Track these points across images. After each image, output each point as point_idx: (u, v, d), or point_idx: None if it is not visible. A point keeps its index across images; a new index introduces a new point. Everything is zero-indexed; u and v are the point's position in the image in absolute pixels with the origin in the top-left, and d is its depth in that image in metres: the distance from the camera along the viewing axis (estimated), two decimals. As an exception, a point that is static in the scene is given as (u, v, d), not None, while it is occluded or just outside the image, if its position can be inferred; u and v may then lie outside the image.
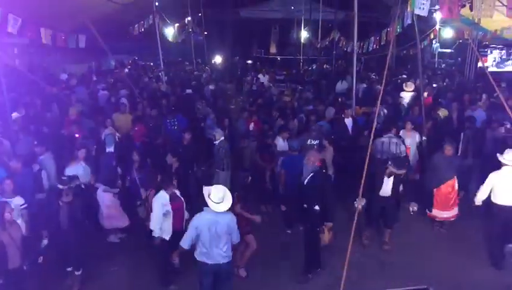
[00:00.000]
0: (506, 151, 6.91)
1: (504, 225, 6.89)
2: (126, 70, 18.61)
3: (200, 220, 5.38)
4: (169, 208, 6.17)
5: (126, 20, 16.66)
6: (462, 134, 9.22)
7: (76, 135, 9.01)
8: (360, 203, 6.49)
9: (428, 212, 8.15)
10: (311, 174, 6.60)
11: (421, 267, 6.86)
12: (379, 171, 7.22)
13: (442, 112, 10.65)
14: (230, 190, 5.61)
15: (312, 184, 6.55)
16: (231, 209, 5.57)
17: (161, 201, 6.15)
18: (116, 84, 14.78)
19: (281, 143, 9.03)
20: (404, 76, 14.78)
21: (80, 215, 6.28)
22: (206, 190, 5.48)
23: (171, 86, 15.14)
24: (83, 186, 7.22)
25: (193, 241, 5.42)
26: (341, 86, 16.43)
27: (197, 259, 5.50)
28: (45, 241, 6.13)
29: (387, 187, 7.24)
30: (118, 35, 16.79)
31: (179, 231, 6.06)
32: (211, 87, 13.22)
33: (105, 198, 7.56)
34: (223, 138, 9.00)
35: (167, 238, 6.19)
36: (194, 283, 5.83)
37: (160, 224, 6.14)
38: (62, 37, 10.66)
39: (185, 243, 5.43)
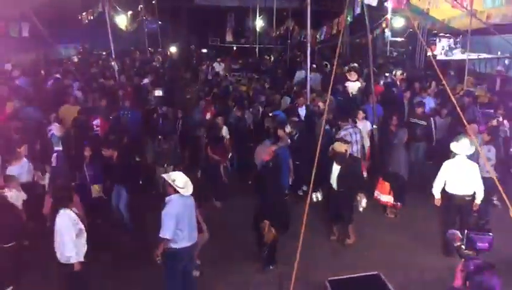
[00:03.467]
0: (459, 140, 6.94)
1: (455, 213, 7.01)
2: (76, 59, 17.94)
3: (176, 208, 5.42)
4: (81, 226, 5.47)
5: (75, 7, 16.03)
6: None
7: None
8: (316, 196, 6.61)
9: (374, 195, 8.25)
10: (261, 167, 6.67)
11: (372, 254, 7.01)
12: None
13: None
14: None
15: (260, 177, 6.61)
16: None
17: (69, 221, 5.34)
18: (67, 74, 14.22)
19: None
20: (354, 64, 14.98)
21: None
22: (167, 176, 5.56)
23: (125, 77, 14.75)
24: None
25: (175, 231, 5.38)
26: (300, 75, 16.52)
27: (177, 247, 5.48)
28: None
29: (334, 176, 7.14)
30: (68, 23, 16.15)
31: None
32: (157, 93, 12.63)
33: None
34: None
35: (82, 258, 5.48)
36: None
37: (76, 247, 5.37)
38: (2, 26, 10.10)
39: (169, 233, 5.35)
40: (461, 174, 6.87)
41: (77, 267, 5.39)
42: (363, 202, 7.05)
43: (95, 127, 9.42)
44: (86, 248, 5.47)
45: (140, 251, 5.87)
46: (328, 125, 8.96)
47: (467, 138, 6.92)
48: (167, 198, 5.51)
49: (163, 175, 5.71)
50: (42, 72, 15.27)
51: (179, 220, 5.40)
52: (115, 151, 7.47)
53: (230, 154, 9.49)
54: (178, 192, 5.46)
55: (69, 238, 5.28)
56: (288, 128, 8.71)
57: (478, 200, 6.84)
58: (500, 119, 9.10)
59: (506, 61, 16.14)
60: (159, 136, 8.75)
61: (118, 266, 6.69)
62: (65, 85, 12.37)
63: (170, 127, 9.70)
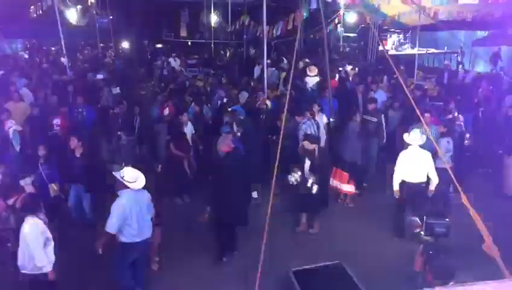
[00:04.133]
0: (410, 131, 7.36)
1: (408, 200, 7.29)
2: (25, 55, 17.18)
3: (124, 203, 5.47)
4: (49, 234, 5.29)
5: (22, 0, 15.33)
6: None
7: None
8: (294, 177, 6.72)
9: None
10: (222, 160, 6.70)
11: (334, 243, 7.21)
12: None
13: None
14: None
15: (223, 168, 6.63)
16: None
17: (37, 230, 5.14)
18: (13, 71, 13.60)
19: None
20: (307, 60, 15.25)
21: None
22: (116, 174, 5.58)
23: (75, 72, 14.31)
24: None
25: (121, 226, 5.45)
26: (258, 70, 16.62)
27: (126, 241, 5.56)
28: None
29: (306, 170, 7.30)
30: (14, 16, 15.40)
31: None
32: (114, 91, 12.22)
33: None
34: None
35: (51, 267, 5.29)
36: None
37: (47, 257, 5.20)
38: None
39: (113, 227, 5.41)
40: (414, 163, 7.21)
41: (51, 276, 5.23)
42: (315, 188, 7.16)
43: (54, 126, 9.06)
44: (54, 257, 5.30)
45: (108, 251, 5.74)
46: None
47: (418, 128, 7.29)
48: (118, 193, 5.57)
49: (114, 172, 5.69)
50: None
51: (126, 216, 5.46)
52: (81, 146, 7.35)
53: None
54: (128, 187, 5.51)
55: (39, 248, 5.08)
56: (234, 127, 8.76)
57: (432, 186, 7.21)
58: (456, 114, 9.46)
59: (456, 57, 16.90)
60: (119, 134, 8.58)
61: (82, 266, 6.52)
62: (10, 82, 11.86)
63: (129, 124, 9.53)
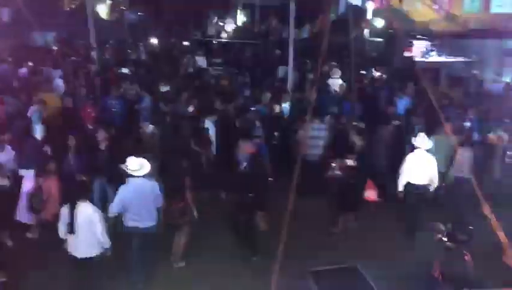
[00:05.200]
0: (418, 135, 7.71)
1: (416, 201, 7.65)
2: (55, 47, 17.56)
3: (126, 191, 5.96)
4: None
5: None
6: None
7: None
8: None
9: None
10: (245, 162, 6.74)
11: (350, 248, 7.24)
12: None
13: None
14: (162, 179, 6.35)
15: (247, 172, 6.68)
16: (182, 195, 6.35)
17: (95, 212, 5.57)
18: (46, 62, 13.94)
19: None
20: (333, 63, 15.23)
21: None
22: (123, 165, 6.05)
23: (104, 66, 14.61)
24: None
25: (121, 210, 5.95)
26: (282, 71, 16.67)
27: (124, 225, 6.05)
28: None
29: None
30: (46, 10, 15.77)
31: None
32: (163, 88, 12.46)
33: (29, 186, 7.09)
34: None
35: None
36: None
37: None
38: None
39: (112, 209, 5.95)
40: (420, 166, 7.56)
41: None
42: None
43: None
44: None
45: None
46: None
47: (424, 134, 7.74)
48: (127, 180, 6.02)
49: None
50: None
51: (125, 203, 5.92)
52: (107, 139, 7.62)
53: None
54: (132, 175, 5.93)
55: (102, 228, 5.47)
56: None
57: (431, 187, 7.71)
58: (468, 124, 9.42)
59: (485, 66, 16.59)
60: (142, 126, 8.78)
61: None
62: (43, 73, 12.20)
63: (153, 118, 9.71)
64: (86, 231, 5.41)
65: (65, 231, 5.48)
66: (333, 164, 7.92)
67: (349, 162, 7.55)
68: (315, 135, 8.95)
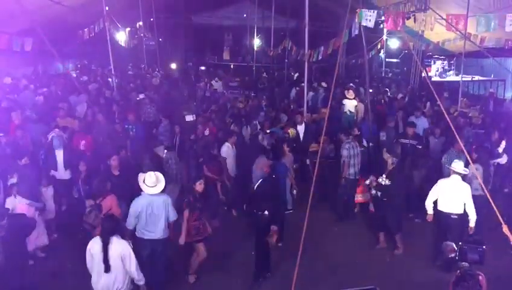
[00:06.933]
0: (454, 160, 7.18)
1: (446, 230, 7.06)
2: (74, 74, 18.05)
3: (138, 204, 6.05)
4: None
5: (75, 23, 16.18)
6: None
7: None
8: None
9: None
10: (261, 180, 6.76)
11: (370, 268, 7.10)
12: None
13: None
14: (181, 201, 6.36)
15: (262, 190, 6.68)
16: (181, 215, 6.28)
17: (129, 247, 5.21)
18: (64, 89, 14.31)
19: (224, 149, 9.07)
20: (351, 84, 15.27)
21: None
22: (141, 176, 6.14)
23: (122, 92, 14.91)
24: None
25: (136, 222, 6.06)
26: (293, 92, 16.86)
27: (137, 236, 6.11)
28: None
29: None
30: (67, 39, 16.27)
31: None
32: (188, 118, 11.70)
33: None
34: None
35: None
36: None
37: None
38: (6, 39, 10.22)
39: (129, 224, 6.06)
40: (453, 194, 7.00)
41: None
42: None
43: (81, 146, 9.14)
44: None
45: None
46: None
47: (459, 159, 7.18)
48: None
49: (140, 174, 6.24)
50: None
51: (136, 215, 6.03)
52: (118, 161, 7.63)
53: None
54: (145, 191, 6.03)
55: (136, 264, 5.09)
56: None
57: (472, 222, 6.87)
58: (500, 150, 9.04)
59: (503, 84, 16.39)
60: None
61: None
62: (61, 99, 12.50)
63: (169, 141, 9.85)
64: (120, 268, 4.98)
65: (97, 270, 4.97)
66: (367, 182, 7.90)
67: (384, 181, 7.38)
68: (352, 154, 8.78)
